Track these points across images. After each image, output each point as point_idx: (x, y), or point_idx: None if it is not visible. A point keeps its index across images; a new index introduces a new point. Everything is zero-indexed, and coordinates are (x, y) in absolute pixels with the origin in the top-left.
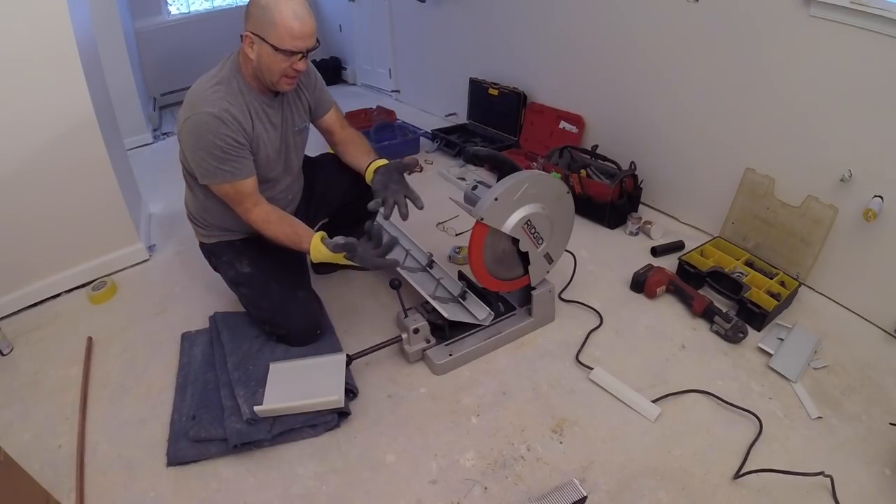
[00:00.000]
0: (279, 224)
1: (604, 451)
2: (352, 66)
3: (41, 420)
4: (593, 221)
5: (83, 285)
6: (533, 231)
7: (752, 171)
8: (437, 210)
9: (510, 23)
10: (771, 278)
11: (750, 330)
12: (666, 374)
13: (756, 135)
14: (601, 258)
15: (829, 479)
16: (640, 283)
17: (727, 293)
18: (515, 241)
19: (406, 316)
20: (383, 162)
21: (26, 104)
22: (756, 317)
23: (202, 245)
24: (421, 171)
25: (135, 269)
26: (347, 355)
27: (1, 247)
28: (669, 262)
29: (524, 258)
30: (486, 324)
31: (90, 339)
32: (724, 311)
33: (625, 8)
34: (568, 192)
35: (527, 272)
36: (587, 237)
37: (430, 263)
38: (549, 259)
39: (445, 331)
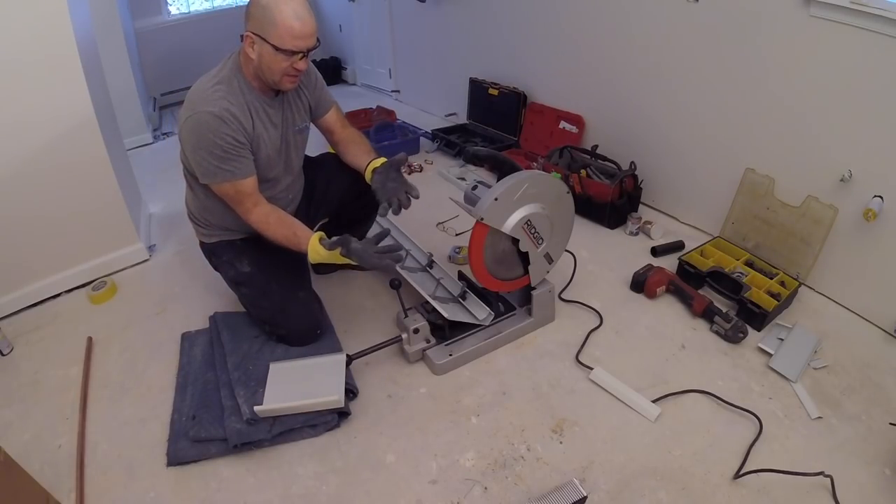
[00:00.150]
0: (278, 225)
1: (604, 451)
2: (352, 66)
3: (41, 420)
4: (593, 221)
5: (83, 285)
6: (533, 231)
7: (752, 171)
8: (437, 210)
9: (510, 23)
10: (771, 278)
11: (750, 330)
12: (666, 374)
13: (756, 135)
14: (601, 258)
15: (829, 479)
16: (640, 283)
17: (727, 293)
18: (515, 241)
19: (406, 316)
20: (381, 161)
21: (26, 104)
22: (756, 317)
23: (202, 245)
24: (421, 171)
25: (135, 269)
26: (347, 355)
27: (1, 247)
28: (669, 262)
29: (524, 258)
30: (486, 324)
31: (90, 339)
32: (724, 311)
33: (625, 8)
34: (568, 192)
35: (527, 272)
36: (587, 237)
37: (430, 263)
38: (549, 259)
39: (445, 331)
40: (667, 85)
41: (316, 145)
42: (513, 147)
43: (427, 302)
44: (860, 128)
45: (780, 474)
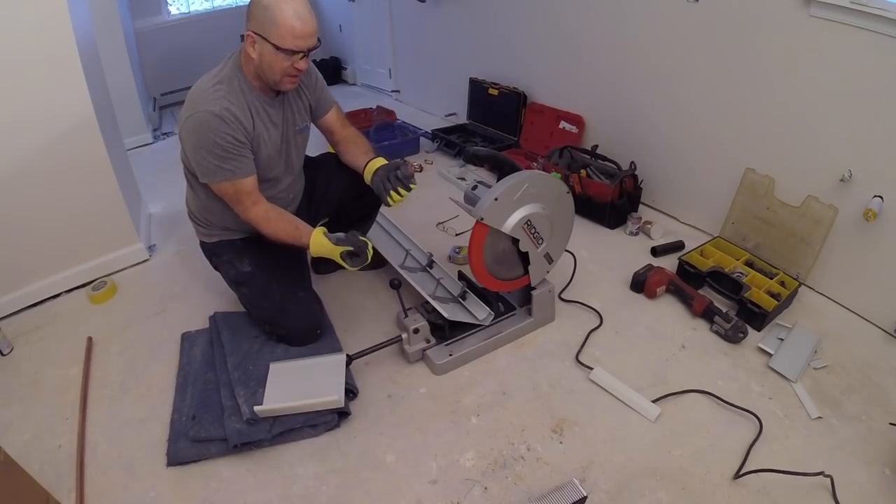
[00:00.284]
0: (278, 221)
1: (604, 451)
2: (352, 66)
3: (41, 420)
4: (593, 221)
5: (83, 285)
6: (533, 231)
7: (752, 171)
8: (437, 210)
9: (510, 23)
10: (771, 278)
11: (750, 330)
12: (666, 374)
13: (756, 135)
14: (601, 258)
15: (829, 479)
16: (640, 283)
17: (727, 293)
18: (515, 241)
19: (406, 316)
20: (381, 162)
21: (26, 104)
22: (756, 317)
23: (203, 244)
24: (421, 171)
25: (135, 269)
26: (347, 355)
27: (1, 247)
28: (669, 262)
29: (524, 258)
30: (486, 324)
31: (90, 339)
32: (724, 311)
33: (625, 8)
34: (568, 192)
35: (527, 272)
36: (587, 237)
37: (430, 263)
38: (549, 259)
39: (445, 331)
40: (667, 85)
41: (316, 145)
42: (513, 147)
43: (427, 302)
44: (860, 128)
45: (780, 474)
